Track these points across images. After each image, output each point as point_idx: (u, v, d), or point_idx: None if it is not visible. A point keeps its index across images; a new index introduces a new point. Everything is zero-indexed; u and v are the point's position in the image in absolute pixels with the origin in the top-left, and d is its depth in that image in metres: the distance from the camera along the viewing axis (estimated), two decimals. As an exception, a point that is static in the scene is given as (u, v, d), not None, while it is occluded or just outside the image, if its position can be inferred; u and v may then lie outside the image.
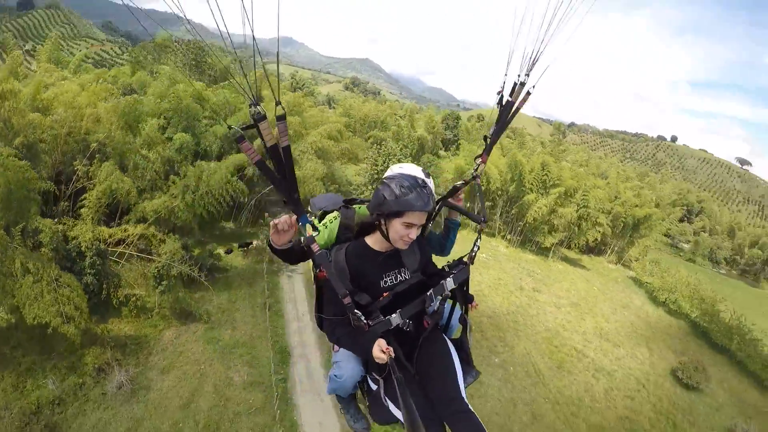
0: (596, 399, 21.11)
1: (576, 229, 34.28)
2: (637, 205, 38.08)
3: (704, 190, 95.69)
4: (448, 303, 2.77)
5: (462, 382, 2.47)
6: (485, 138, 2.84)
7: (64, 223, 18.59)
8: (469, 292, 2.69)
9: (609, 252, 40.36)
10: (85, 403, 14.82)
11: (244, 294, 21.34)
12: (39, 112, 19.55)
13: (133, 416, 14.76)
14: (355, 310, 2.30)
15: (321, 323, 2.78)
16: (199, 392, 15.90)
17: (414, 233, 2.36)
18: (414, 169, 2.70)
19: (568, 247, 38.24)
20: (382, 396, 2.51)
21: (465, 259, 2.62)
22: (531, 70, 2.62)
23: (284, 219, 2.20)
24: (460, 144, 41.00)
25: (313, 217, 2.78)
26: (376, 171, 30.07)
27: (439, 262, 2.88)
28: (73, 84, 23.40)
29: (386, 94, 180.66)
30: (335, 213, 2.82)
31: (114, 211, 20.76)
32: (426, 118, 45.80)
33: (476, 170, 2.88)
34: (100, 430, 14.17)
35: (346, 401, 3.15)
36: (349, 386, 2.83)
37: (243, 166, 24.26)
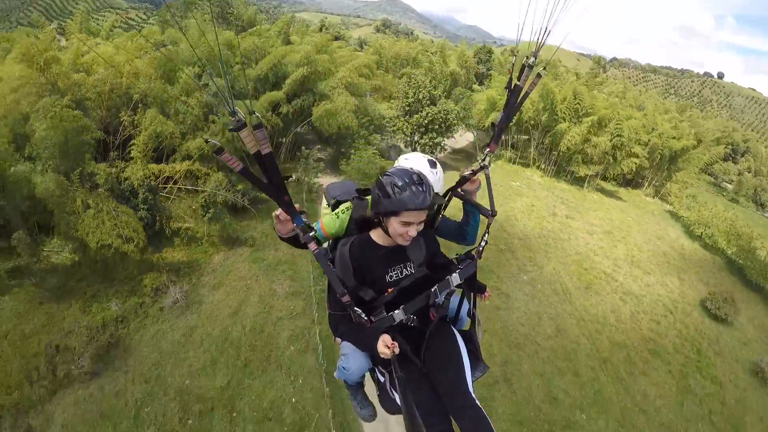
0: (621, 320, 21.60)
1: (611, 159, 33.64)
2: (674, 137, 36.70)
3: (752, 129, 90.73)
4: (456, 295, 2.77)
5: (470, 376, 2.48)
6: (492, 125, 2.76)
7: (117, 166, 19.83)
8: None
9: (647, 185, 39.52)
10: (145, 318, 16.35)
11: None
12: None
13: (187, 325, 16.25)
14: (356, 308, 2.30)
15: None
16: (245, 302, 17.29)
17: (413, 230, 2.33)
18: (420, 160, 2.69)
19: (605, 179, 37.62)
20: (389, 388, 2.55)
21: (473, 254, 2.58)
22: (539, 50, 2.52)
23: (283, 210, 2.25)
24: (491, 76, 40.13)
25: (326, 206, 2.88)
26: (407, 103, 29.91)
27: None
28: (109, 47, 24.71)
29: (419, 34, 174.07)
30: (348, 204, 2.80)
31: (160, 155, 21.87)
32: (458, 53, 45.12)
33: (484, 159, 2.78)
34: (159, 338, 15.69)
35: (354, 388, 3.20)
36: (354, 378, 2.88)
37: (278, 103, 24.91)
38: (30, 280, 16.80)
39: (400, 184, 2.24)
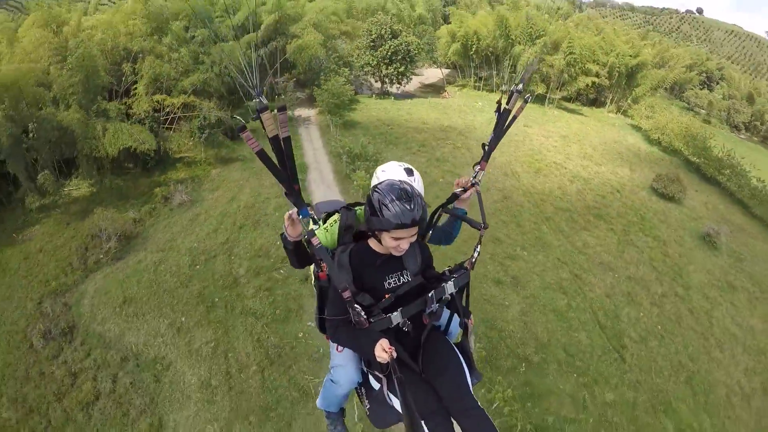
0: (567, 193, 24.44)
1: (567, 77, 36.46)
2: (630, 55, 39.19)
3: (732, 62, 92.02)
4: (447, 310, 2.78)
5: (469, 379, 2.52)
6: (483, 146, 2.84)
7: (125, 103, 23.28)
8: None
9: (609, 103, 42.19)
10: (157, 217, 19.83)
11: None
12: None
13: (193, 213, 19.72)
14: (356, 305, 2.31)
15: (322, 325, 2.85)
16: (240, 193, 20.87)
17: (405, 243, 2.37)
18: (396, 170, 2.71)
19: (567, 101, 40.49)
20: (386, 393, 2.50)
21: (465, 265, 2.63)
22: (526, 80, 2.80)
23: (291, 200, 2.31)
24: (451, 12, 43.05)
25: (319, 222, 2.86)
26: (371, 39, 33.06)
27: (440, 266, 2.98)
28: (106, 14, 28.51)
29: None
30: (336, 216, 2.82)
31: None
32: None
33: (475, 177, 2.84)
34: (170, 226, 19.14)
35: (334, 417, 3.19)
36: (342, 394, 2.86)
37: (256, 44, 28.19)
38: (57, 212, 20.50)
39: (387, 201, 2.26)
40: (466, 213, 2.90)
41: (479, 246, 2.63)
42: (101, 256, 17.45)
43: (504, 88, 38.73)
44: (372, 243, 2.55)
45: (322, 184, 21.90)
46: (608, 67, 38.41)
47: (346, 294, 2.27)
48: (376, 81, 36.02)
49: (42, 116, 19.30)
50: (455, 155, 26.07)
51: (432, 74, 44.30)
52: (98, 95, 21.66)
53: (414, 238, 2.42)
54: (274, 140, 2.06)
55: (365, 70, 34.31)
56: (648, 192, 27.39)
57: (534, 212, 22.08)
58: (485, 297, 16.40)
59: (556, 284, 17.93)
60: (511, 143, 28.63)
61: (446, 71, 43.92)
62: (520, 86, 2.62)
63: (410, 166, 2.83)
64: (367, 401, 2.79)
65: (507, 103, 2.69)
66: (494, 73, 39.29)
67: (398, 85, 35.71)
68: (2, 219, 20.50)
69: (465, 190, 2.85)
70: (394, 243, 2.34)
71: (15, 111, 18.47)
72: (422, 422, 2.13)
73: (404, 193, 2.29)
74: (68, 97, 20.36)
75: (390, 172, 2.71)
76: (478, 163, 2.84)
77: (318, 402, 3.11)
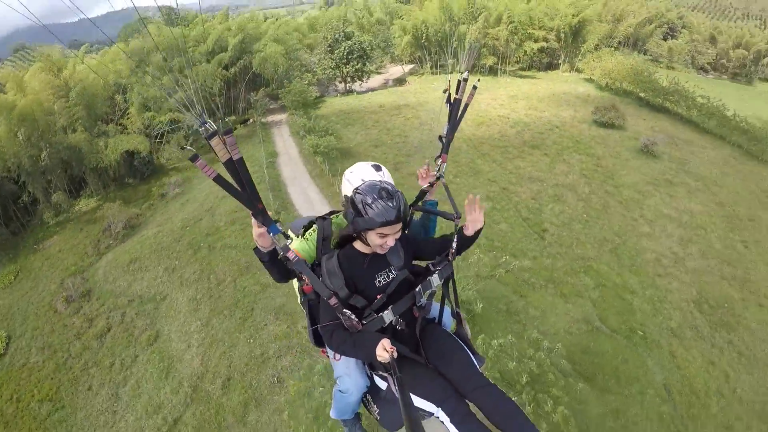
0: (506, 136, 27.32)
1: (513, 45, 39.88)
2: (573, 15, 42.09)
3: (698, 11, 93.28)
4: (436, 303, 2.82)
5: (476, 362, 2.55)
6: (440, 138, 2.88)
7: (121, 124, 28.51)
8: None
9: (563, 64, 45.04)
10: (155, 209, 24.05)
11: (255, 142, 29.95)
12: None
13: (183, 200, 23.83)
14: (345, 310, 2.33)
15: (316, 338, 2.84)
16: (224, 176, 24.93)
17: (391, 240, 2.38)
18: (364, 168, 2.65)
19: (523, 69, 43.54)
20: (395, 390, 2.41)
21: (448, 257, 2.65)
22: (471, 66, 2.84)
23: (257, 219, 2.20)
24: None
25: (295, 237, 2.77)
26: (327, 44, 37.43)
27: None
28: (93, 60, 33.97)
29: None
30: (313, 227, 2.78)
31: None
32: (382, 3, 52.83)
33: (439, 170, 2.91)
34: (166, 212, 23.32)
35: (351, 423, 3.22)
36: (354, 401, 2.83)
37: (226, 65, 32.92)
38: (71, 224, 24.78)
39: (370, 201, 2.26)
40: (437, 203, 3.00)
41: (455, 236, 2.62)
42: (111, 242, 21.61)
43: (458, 68, 42.13)
44: (357, 245, 2.53)
45: (290, 162, 25.71)
46: (555, 30, 41.80)
47: (333, 301, 2.31)
48: (340, 82, 40.23)
49: (55, 140, 24.13)
50: (405, 125, 29.55)
51: (397, 71, 48.33)
52: (98, 121, 26.56)
53: (398, 235, 2.41)
54: (228, 164, 1.97)
55: (327, 73, 38.52)
56: (589, 124, 29.89)
57: (470, 152, 25.21)
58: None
59: (483, 196, 20.94)
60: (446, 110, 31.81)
61: (409, 66, 47.96)
62: (466, 74, 2.70)
63: (377, 163, 2.72)
64: (375, 406, 2.80)
65: (456, 93, 2.74)
66: (448, 56, 43.02)
67: (360, 82, 39.69)
68: (24, 237, 24.81)
69: (431, 185, 2.92)
70: (381, 241, 2.34)
71: (32, 137, 23.28)
72: (434, 411, 2.29)
73: (385, 192, 2.29)
74: (74, 123, 25.24)
75: (358, 171, 2.64)
76: (439, 156, 2.92)
77: (332, 413, 3.07)
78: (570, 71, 44.60)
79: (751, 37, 66.51)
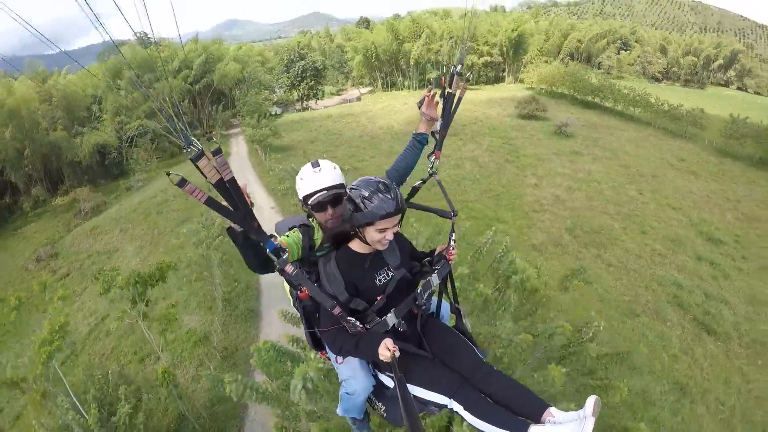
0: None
1: (452, 59, 43.97)
2: (513, 29, 46.62)
3: (656, 27, 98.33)
4: (434, 297, 2.81)
5: (479, 352, 2.56)
6: (434, 134, 2.87)
7: (96, 128, 32.90)
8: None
9: (508, 77, 49.29)
10: (121, 197, 27.96)
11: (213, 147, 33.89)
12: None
13: (145, 189, 27.50)
14: (349, 318, 2.31)
15: (314, 341, 2.87)
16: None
17: (390, 234, 2.35)
18: (305, 168, 2.68)
19: (469, 82, 47.26)
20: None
21: (445, 255, 2.66)
22: (464, 59, 2.75)
23: (253, 236, 2.10)
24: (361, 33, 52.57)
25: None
26: (284, 65, 42.00)
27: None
28: (72, 77, 38.20)
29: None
30: (295, 229, 2.70)
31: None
32: (343, 30, 58.30)
33: (432, 167, 2.90)
34: (129, 198, 26.79)
35: (360, 423, 3.23)
36: (361, 401, 2.84)
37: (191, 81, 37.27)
38: (48, 214, 28.74)
39: (367, 194, 2.24)
40: (427, 138, 2.96)
41: (453, 234, 2.65)
42: (80, 221, 25.51)
43: (407, 83, 46.67)
44: (354, 246, 2.48)
45: (238, 159, 29.46)
46: (498, 45, 46.11)
47: (337, 311, 2.26)
48: (297, 100, 44.58)
49: (38, 137, 28.80)
50: (344, 127, 33.84)
51: (355, 93, 52.93)
52: (76, 124, 31.44)
53: (397, 228, 2.37)
54: (219, 185, 1.84)
55: (284, 91, 42.84)
56: (512, 117, 33.19)
57: (392, 141, 29.10)
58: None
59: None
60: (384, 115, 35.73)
61: (367, 89, 52.62)
62: (459, 67, 2.67)
63: (317, 160, 2.72)
64: (380, 404, 2.79)
65: (449, 87, 2.72)
66: (397, 74, 47.38)
67: (315, 100, 43.89)
68: (5, 227, 28.65)
69: (424, 181, 2.91)
70: (379, 236, 2.30)
71: (19, 132, 27.92)
72: (447, 403, 2.33)
73: (382, 185, 2.27)
74: (56, 123, 30.02)
75: (303, 172, 2.64)
76: (432, 152, 2.89)
77: (339, 411, 3.05)
78: (514, 82, 48.62)
79: (699, 44, 70.72)
